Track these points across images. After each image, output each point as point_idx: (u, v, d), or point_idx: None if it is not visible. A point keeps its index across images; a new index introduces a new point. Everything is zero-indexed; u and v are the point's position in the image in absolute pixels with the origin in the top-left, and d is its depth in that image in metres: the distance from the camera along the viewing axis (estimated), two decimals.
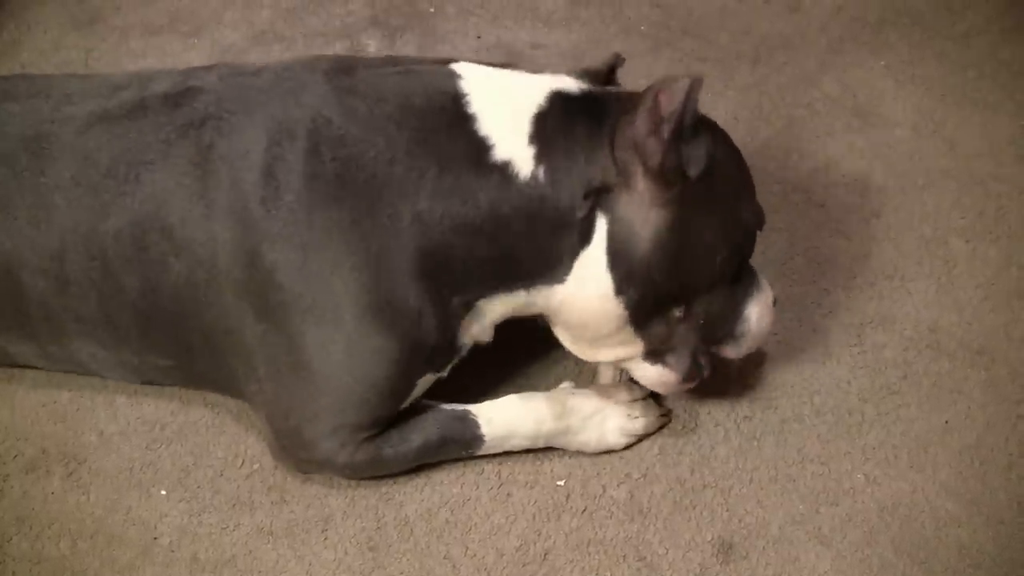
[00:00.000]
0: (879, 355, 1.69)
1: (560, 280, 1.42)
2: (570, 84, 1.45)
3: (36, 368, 1.65)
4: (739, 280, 1.48)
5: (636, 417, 1.56)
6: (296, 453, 1.50)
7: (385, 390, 1.44)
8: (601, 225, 1.39)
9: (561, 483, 1.53)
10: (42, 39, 2.27)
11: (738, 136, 2.00)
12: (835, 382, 1.65)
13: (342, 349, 1.40)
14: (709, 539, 1.48)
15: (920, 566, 1.45)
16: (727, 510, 1.51)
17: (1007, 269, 1.81)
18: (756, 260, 1.65)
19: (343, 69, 1.45)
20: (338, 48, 2.24)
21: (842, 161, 1.99)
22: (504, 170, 1.38)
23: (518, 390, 1.58)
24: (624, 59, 1.58)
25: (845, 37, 2.26)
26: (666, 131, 1.32)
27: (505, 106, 1.41)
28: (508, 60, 2.17)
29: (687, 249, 1.39)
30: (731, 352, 1.53)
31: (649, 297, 1.41)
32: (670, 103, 1.31)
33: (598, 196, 1.38)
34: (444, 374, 1.51)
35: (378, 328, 1.39)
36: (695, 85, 1.32)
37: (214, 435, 1.59)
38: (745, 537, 1.48)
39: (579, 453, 1.56)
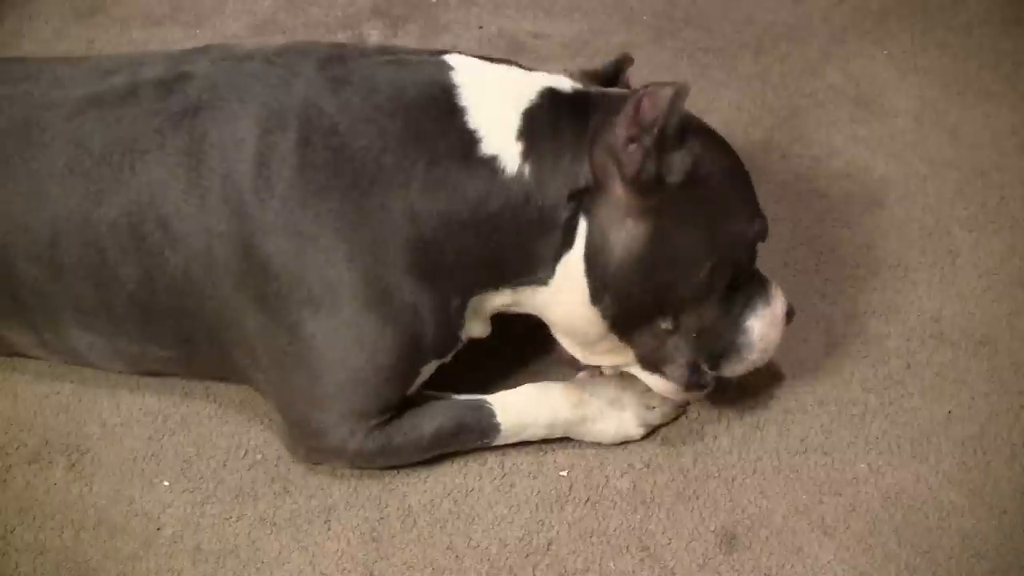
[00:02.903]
0: (882, 345, 1.69)
1: (544, 283, 1.41)
2: (563, 82, 1.43)
3: (37, 358, 1.65)
4: (738, 290, 1.44)
5: (653, 407, 1.55)
6: (307, 442, 1.49)
7: (388, 376, 1.43)
8: (582, 229, 1.37)
9: (564, 473, 1.53)
10: (43, 29, 2.27)
11: (741, 126, 2.02)
12: (838, 372, 1.65)
13: (342, 337, 1.40)
14: (712, 529, 1.48)
15: (923, 556, 1.45)
16: (730, 500, 1.51)
17: (1010, 259, 1.81)
18: (758, 250, 1.65)
19: (336, 57, 1.45)
20: (340, 39, 2.23)
21: (845, 151, 1.99)
22: (491, 165, 1.36)
23: (532, 381, 1.57)
24: (632, 60, 1.56)
25: (848, 27, 2.26)
26: (646, 140, 1.30)
27: (496, 99, 1.39)
28: (510, 50, 2.18)
29: (664, 261, 1.36)
30: (730, 370, 1.48)
31: (626, 307, 1.39)
32: (652, 111, 1.29)
33: (581, 199, 1.36)
34: (447, 359, 1.51)
35: (376, 318, 1.39)
36: (680, 93, 1.29)
37: (217, 426, 1.59)
38: (748, 527, 1.48)
39: (582, 443, 1.55)
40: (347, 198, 1.36)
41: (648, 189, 1.33)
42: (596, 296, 1.39)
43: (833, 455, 1.56)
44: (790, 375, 1.64)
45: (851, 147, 2.00)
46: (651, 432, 1.57)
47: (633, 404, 1.54)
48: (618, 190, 1.34)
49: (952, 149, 1.99)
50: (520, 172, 1.36)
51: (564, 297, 1.41)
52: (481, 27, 2.26)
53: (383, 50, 1.50)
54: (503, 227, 1.37)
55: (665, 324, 1.41)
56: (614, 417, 1.54)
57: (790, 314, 1.50)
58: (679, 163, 1.34)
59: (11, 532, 1.47)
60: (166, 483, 1.53)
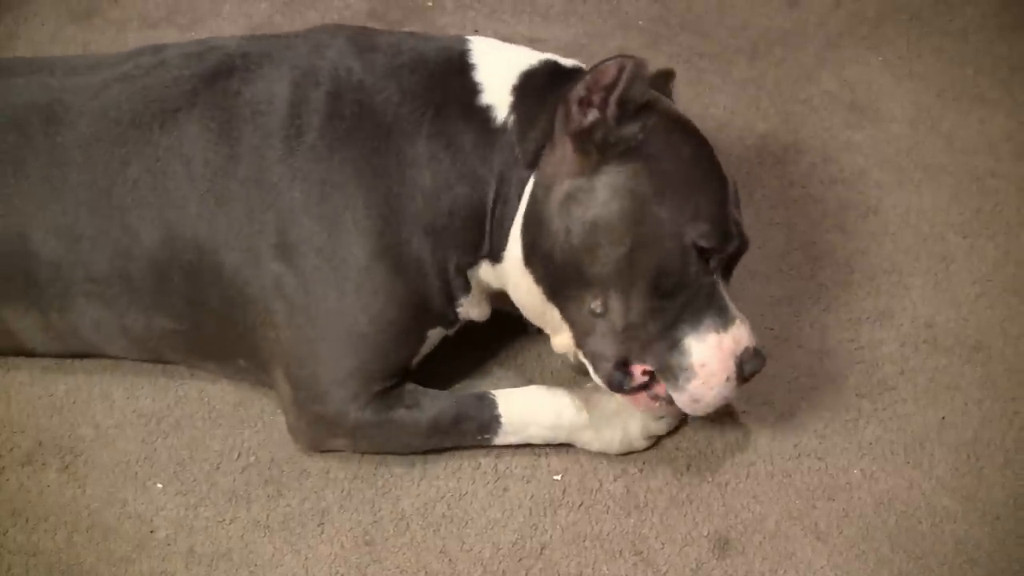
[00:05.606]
0: (876, 351, 1.69)
1: (500, 258, 1.46)
2: (568, 60, 1.52)
3: (32, 353, 1.64)
4: (677, 298, 1.37)
5: (660, 417, 1.54)
6: (310, 408, 1.49)
7: (394, 334, 1.47)
8: (528, 187, 1.43)
9: (558, 477, 1.53)
10: (39, 32, 2.26)
11: (735, 131, 2.02)
12: (832, 377, 1.65)
13: (351, 288, 1.43)
14: (705, 534, 1.48)
15: (916, 562, 1.45)
16: (723, 505, 1.51)
17: (1004, 265, 1.81)
18: (753, 256, 1.65)
19: (363, 33, 1.56)
20: None
21: (839, 157, 1.99)
22: (486, 114, 1.45)
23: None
24: (675, 74, 1.62)
25: (843, 32, 2.26)
26: (603, 105, 1.36)
27: (502, 60, 1.49)
28: None
29: (587, 226, 1.36)
30: (676, 397, 1.40)
31: (551, 271, 1.41)
32: (612, 77, 1.35)
33: (538, 156, 1.42)
34: (451, 332, 1.55)
35: (385, 269, 1.43)
36: (639, 65, 1.35)
37: (210, 428, 1.59)
38: (741, 532, 1.48)
39: (576, 447, 1.55)
40: (369, 147, 1.44)
41: (587, 148, 1.37)
42: (528, 256, 1.43)
43: (826, 460, 1.56)
44: (784, 380, 1.65)
45: (846, 153, 2.00)
46: (655, 443, 1.57)
47: (640, 416, 1.53)
48: (565, 145, 1.39)
49: (947, 155, 1.99)
50: (506, 123, 1.44)
51: (511, 264, 1.45)
52: (476, 31, 2.26)
53: (407, 32, 1.60)
54: (487, 180, 1.44)
55: (594, 304, 1.39)
56: (619, 426, 1.53)
57: (749, 361, 1.40)
58: (628, 134, 1.38)
59: (4, 534, 1.47)
60: (159, 485, 1.53)
